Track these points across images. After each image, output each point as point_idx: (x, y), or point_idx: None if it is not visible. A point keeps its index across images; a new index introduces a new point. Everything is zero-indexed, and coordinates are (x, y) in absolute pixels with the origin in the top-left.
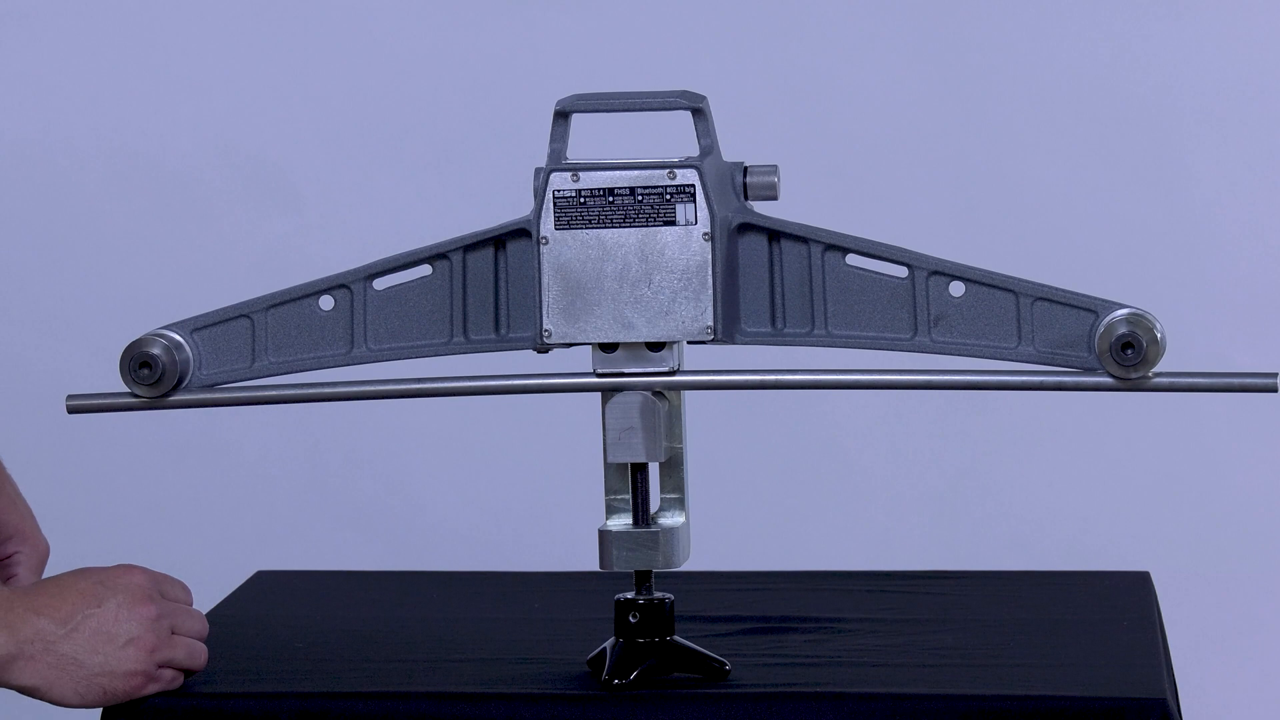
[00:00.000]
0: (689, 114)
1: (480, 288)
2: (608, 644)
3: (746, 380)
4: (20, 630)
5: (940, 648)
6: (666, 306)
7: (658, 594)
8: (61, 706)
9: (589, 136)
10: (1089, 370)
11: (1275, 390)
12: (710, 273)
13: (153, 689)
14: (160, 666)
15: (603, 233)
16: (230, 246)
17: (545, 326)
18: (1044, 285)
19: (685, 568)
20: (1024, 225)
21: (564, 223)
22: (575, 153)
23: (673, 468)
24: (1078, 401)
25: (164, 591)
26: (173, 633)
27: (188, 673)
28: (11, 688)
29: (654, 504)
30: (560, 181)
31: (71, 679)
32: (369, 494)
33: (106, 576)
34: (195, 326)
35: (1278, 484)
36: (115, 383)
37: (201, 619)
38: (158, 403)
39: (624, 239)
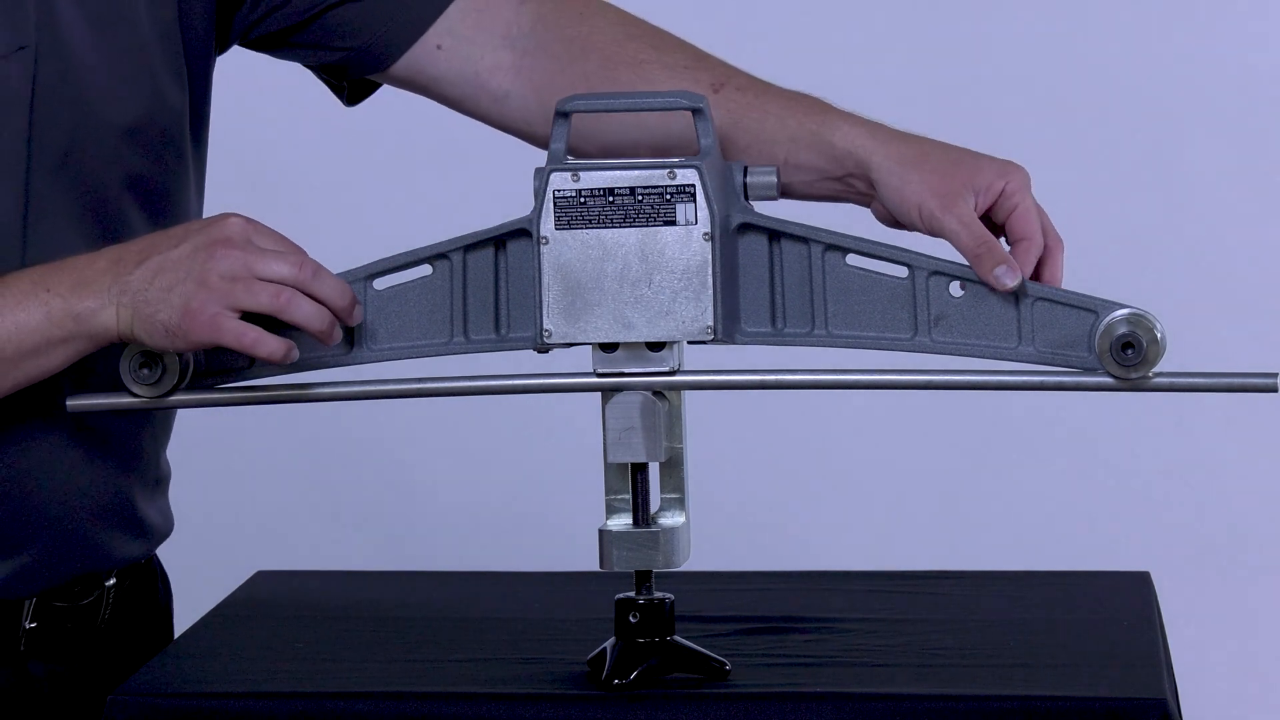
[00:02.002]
0: (689, 114)
1: (480, 288)
2: (608, 644)
3: (746, 380)
4: (98, 282)
5: (940, 648)
6: (667, 306)
7: (658, 594)
8: (155, 349)
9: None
10: (1089, 370)
11: (1275, 390)
12: (710, 273)
13: (221, 338)
14: (225, 313)
15: (603, 233)
16: None
17: (545, 326)
18: (1044, 285)
19: (685, 568)
20: None
21: (564, 223)
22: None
23: (673, 468)
24: (1078, 401)
25: (255, 240)
26: (259, 280)
27: (305, 337)
28: (112, 341)
29: (654, 504)
30: (560, 181)
31: (142, 318)
32: (369, 494)
33: (198, 222)
34: None
35: (1278, 484)
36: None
37: (295, 264)
38: (158, 403)
39: (624, 239)
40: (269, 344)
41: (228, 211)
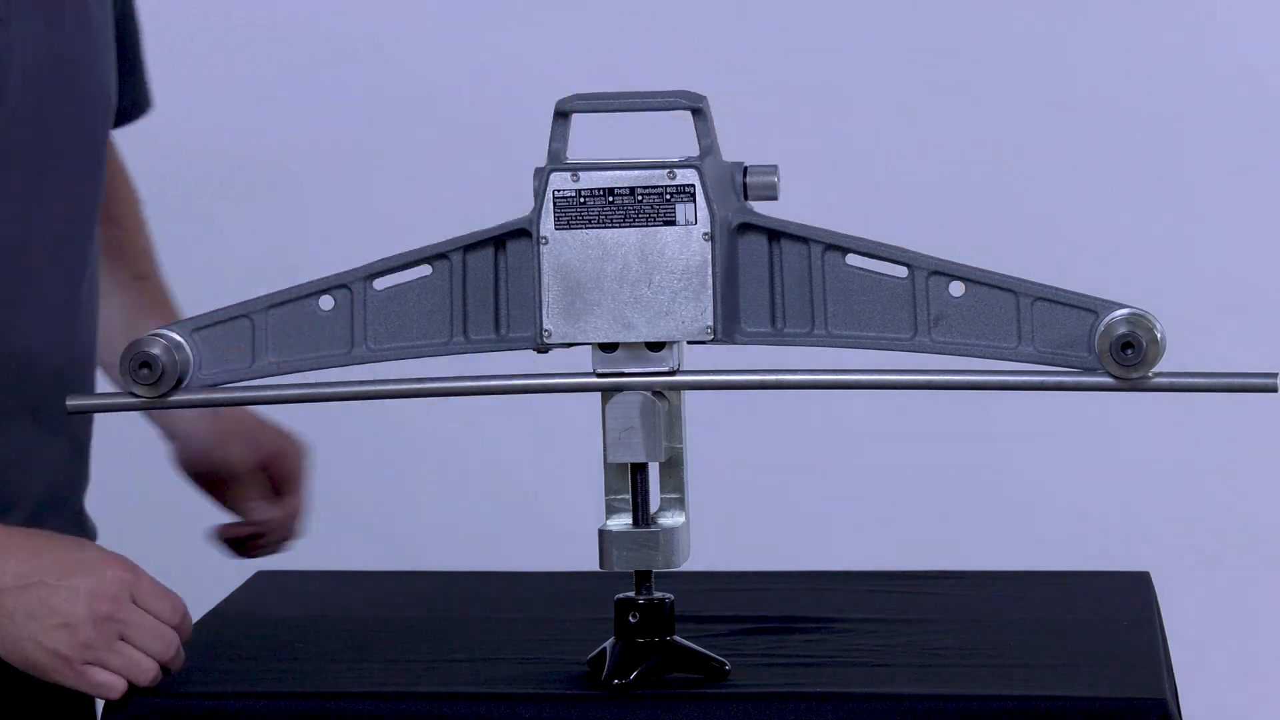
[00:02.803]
0: (689, 114)
1: (480, 288)
2: (608, 644)
3: (746, 380)
4: None
5: (940, 648)
6: (666, 306)
7: (658, 594)
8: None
9: (589, 136)
10: (1089, 370)
11: (1275, 390)
12: (710, 273)
13: (83, 684)
14: (90, 664)
15: (603, 233)
16: (230, 246)
17: (545, 326)
18: (1044, 285)
19: (685, 568)
20: (1024, 225)
21: (564, 223)
22: (575, 153)
23: (673, 468)
24: (1078, 401)
25: (139, 598)
26: (122, 640)
27: (139, 685)
28: None
29: (654, 504)
30: (560, 181)
31: (5, 632)
32: (369, 494)
33: (93, 559)
34: (195, 326)
35: (1278, 484)
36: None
37: (166, 642)
38: (158, 403)
39: (624, 239)
40: (115, 693)
41: (123, 559)
